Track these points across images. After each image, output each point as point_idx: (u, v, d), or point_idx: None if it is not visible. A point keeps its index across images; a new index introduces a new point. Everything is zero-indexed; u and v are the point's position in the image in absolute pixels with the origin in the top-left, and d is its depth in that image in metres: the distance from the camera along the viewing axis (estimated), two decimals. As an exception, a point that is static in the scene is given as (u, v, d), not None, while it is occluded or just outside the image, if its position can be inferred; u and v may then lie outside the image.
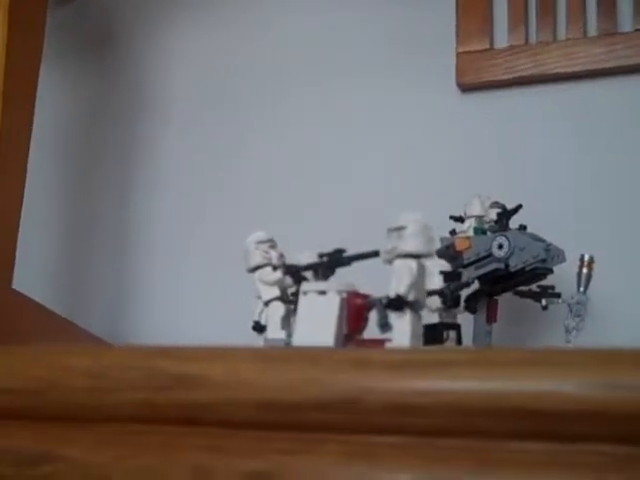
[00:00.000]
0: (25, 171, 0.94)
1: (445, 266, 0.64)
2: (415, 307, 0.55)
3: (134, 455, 0.42)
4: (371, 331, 0.56)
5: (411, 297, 0.55)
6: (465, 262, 0.76)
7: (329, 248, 0.61)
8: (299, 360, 0.39)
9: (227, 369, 0.40)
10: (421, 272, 0.56)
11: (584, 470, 0.34)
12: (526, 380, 0.34)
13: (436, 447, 0.36)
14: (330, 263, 0.61)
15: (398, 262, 0.55)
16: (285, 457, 0.39)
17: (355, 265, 0.60)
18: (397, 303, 0.54)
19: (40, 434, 0.44)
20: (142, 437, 0.42)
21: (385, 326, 0.55)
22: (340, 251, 0.61)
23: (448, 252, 0.77)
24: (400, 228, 0.55)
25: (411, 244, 0.55)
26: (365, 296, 0.57)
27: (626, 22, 0.92)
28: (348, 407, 0.37)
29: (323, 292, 0.58)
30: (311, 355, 0.39)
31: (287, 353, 0.40)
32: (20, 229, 0.93)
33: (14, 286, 0.91)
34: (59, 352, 0.43)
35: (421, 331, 0.56)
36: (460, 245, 0.77)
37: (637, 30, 0.91)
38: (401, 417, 0.36)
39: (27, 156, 0.94)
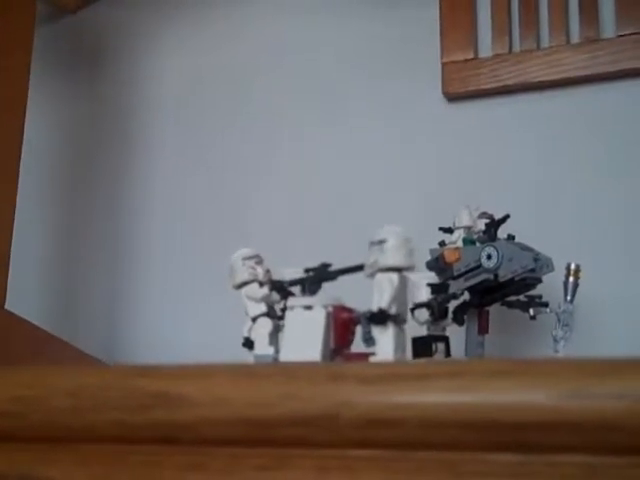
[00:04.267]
0: (16, 192, 0.94)
1: (432, 278, 0.64)
2: (398, 320, 0.55)
3: (114, 474, 0.42)
4: (360, 345, 0.56)
5: (393, 310, 0.54)
6: (455, 274, 0.76)
7: (315, 263, 0.61)
8: (275, 376, 0.39)
9: (204, 387, 0.40)
10: (403, 285, 0.55)
11: (557, 481, 0.34)
12: (498, 391, 0.34)
13: (411, 460, 0.36)
14: (316, 278, 0.61)
15: (379, 276, 0.55)
16: (263, 473, 0.39)
17: (342, 279, 0.60)
18: (379, 317, 0.54)
19: (19, 456, 0.44)
20: (121, 456, 0.42)
21: (369, 340, 0.55)
22: (326, 265, 0.61)
23: (438, 264, 0.77)
24: (381, 241, 0.55)
25: (392, 258, 0.54)
26: (351, 310, 0.57)
27: (608, 28, 0.92)
28: (324, 422, 0.37)
29: (309, 307, 0.57)
30: (287, 371, 0.39)
31: (263, 369, 0.40)
32: (12, 249, 0.93)
33: (6, 306, 0.91)
34: (38, 372, 0.43)
35: (405, 344, 0.56)
36: (449, 256, 0.77)
37: (620, 36, 0.91)
38: (377, 431, 0.36)
39: (17, 176, 0.95)
